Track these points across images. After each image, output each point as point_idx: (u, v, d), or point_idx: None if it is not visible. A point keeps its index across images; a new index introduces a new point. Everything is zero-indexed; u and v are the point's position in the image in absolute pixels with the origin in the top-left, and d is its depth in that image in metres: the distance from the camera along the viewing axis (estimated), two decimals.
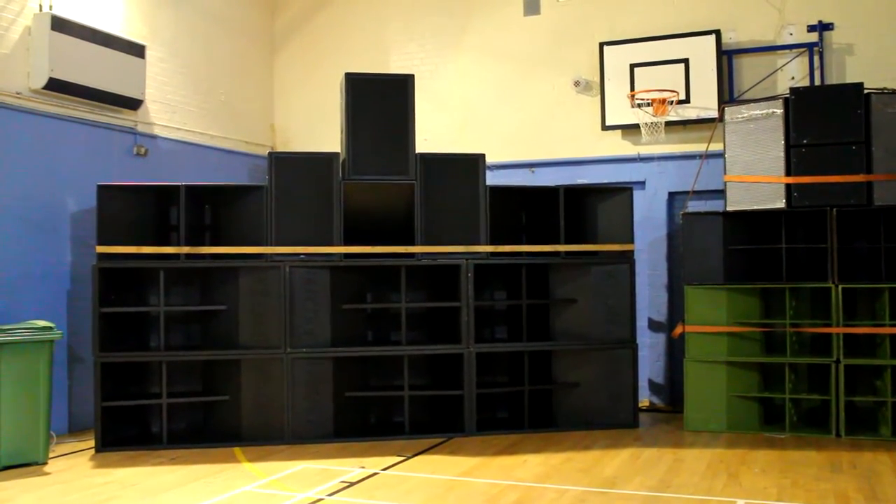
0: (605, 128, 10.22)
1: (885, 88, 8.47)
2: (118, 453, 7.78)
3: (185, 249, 8.24)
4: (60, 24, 8.32)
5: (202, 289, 8.67)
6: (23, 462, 7.25)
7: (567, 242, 8.85)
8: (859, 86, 8.41)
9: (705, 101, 9.77)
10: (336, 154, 8.55)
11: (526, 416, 8.71)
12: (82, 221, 8.58)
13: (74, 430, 8.52)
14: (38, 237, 8.28)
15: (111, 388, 8.02)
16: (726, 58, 9.85)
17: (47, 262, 8.37)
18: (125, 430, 8.20)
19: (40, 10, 8.32)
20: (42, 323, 7.49)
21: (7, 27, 8.07)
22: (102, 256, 8.02)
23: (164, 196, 8.52)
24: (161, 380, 8.14)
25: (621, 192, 9.04)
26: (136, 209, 8.35)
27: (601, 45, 10.23)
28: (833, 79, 9.43)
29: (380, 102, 8.59)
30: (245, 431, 8.25)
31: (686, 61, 9.85)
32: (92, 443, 7.95)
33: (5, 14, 8.06)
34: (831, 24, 9.51)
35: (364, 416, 8.81)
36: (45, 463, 7.37)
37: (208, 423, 8.52)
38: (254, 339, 8.38)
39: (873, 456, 7.43)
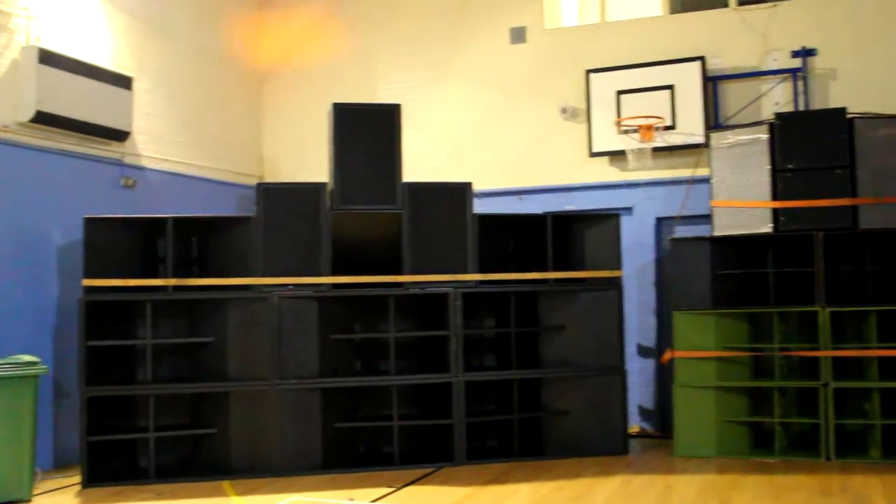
0: (592, 154, 10.27)
1: (868, 113, 8.53)
2: (105, 489, 7.70)
3: (173, 282, 8.22)
4: (48, 58, 8.33)
5: (190, 321, 8.64)
6: (7, 500, 7.16)
7: (555, 269, 8.86)
8: (843, 110, 8.47)
9: (691, 127, 9.83)
10: (324, 184, 8.56)
11: (516, 444, 8.67)
12: (69, 254, 8.55)
13: (60, 465, 8.43)
14: (24, 270, 8.25)
15: (98, 423, 7.96)
16: (711, 84, 9.92)
17: (33, 296, 8.33)
18: (112, 465, 8.12)
19: (28, 43, 8.34)
20: (27, 357, 7.44)
21: None
22: (89, 289, 7.99)
23: (151, 228, 8.51)
24: (148, 413, 8.08)
25: (609, 219, 9.06)
26: (123, 241, 8.33)
27: (587, 72, 10.30)
28: (817, 104, 9.50)
29: (367, 132, 8.61)
30: (234, 464, 8.19)
31: (672, 88, 9.91)
32: (78, 478, 7.86)
33: None
34: (814, 49, 9.60)
35: (353, 447, 8.77)
36: (30, 500, 7.28)
37: (197, 457, 8.45)
38: (242, 371, 8.34)
39: (863, 479, 7.42)
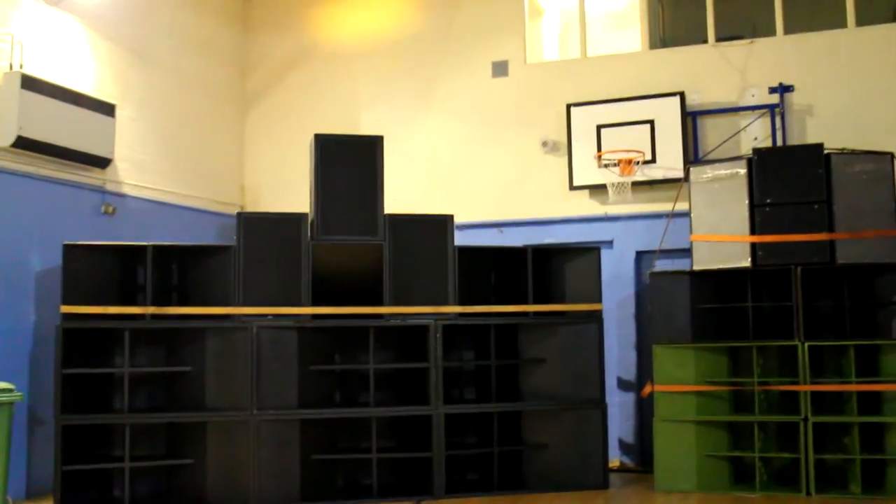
0: (572, 188, 10.32)
1: (844, 149, 8.64)
2: None
3: (151, 310, 8.16)
4: (30, 83, 8.32)
5: (168, 350, 8.56)
6: None
7: (536, 302, 8.86)
8: (820, 146, 8.57)
9: (671, 162, 9.90)
10: (305, 214, 8.56)
11: (495, 477, 8.61)
12: (48, 280, 8.48)
13: (33, 494, 8.28)
14: (1, 295, 8.16)
15: (72, 452, 7.84)
16: (691, 119, 10.02)
17: (10, 321, 8.24)
18: (86, 495, 7.99)
19: (10, 68, 8.32)
20: (1, 384, 7.34)
21: None
22: (67, 316, 7.92)
23: (130, 255, 8.46)
24: (124, 443, 7.99)
25: (589, 252, 9.09)
26: (102, 269, 8.27)
27: (568, 106, 10.38)
28: (794, 139, 9.62)
29: (349, 163, 8.63)
30: (210, 495, 8.09)
31: (652, 122, 10.01)
32: None
33: None
34: (791, 86, 9.73)
35: (331, 479, 8.68)
36: None
37: (172, 488, 8.34)
38: (220, 401, 8.27)
39: None
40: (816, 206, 8.43)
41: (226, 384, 8.26)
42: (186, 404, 8.33)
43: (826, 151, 8.52)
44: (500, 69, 10.93)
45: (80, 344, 8.04)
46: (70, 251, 8.01)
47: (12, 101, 8.18)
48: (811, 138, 9.47)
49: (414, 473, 8.60)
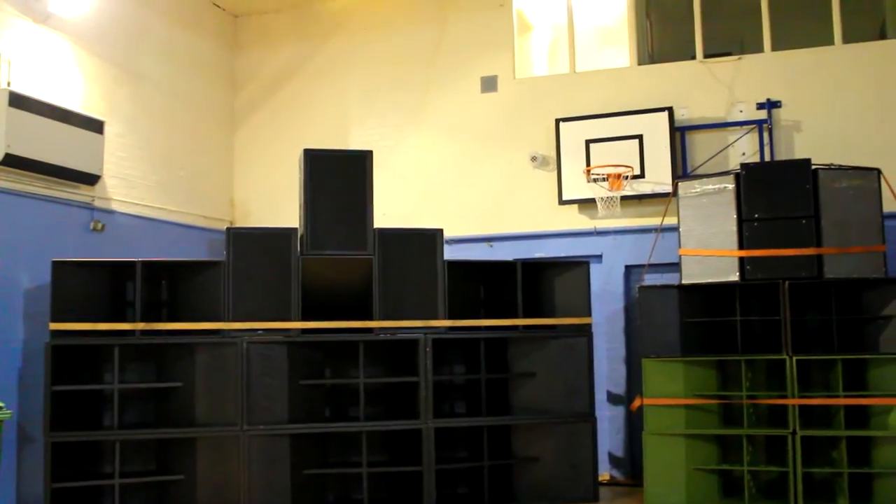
0: (561, 202, 10.36)
1: (831, 164, 8.70)
2: None
3: (141, 326, 8.16)
4: (18, 101, 8.30)
5: (158, 366, 8.55)
6: None
7: (525, 316, 8.89)
8: (807, 162, 8.62)
9: (659, 176, 9.96)
10: (294, 229, 8.57)
11: (486, 491, 8.62)
12: (36, 297, 8.45)
13: None
14: None
15: (62, 469, 7.83)
16: (679, 134, 10.09)
17: None
18: None
19: None
20: None
21: None
22: (56, 333, 7.92)
23: (119, 272, 8.46)
24: (114, 459, 7.97)
25: (578, 266, 9.13)
26: (91, 285, 8.27)
27: (557, 121, 10.43)
28: (782, 154, 9.70)
29: (338, 178, 8.66)
30: None
31: (640, 137, 10.07)
32: None
33: None
34: (779, 101, 9.81)
35: (322, 494, 8.67)
36: None
37: None
38: (210, 417, 8.26)
39: None
40: (804, 221, 8.48)
41: (216, 399, 8.26)
42: (176, 420, 8.32)
43: (813, 167, 8.57)
44: (490, 84, 10.97)
45: (69, 361, 8.03)
46: (59, 268, 8.01)
47: (0, 118, 8.17)
48: (799, 154, 9.55)
49: (405, 488, 8.60)
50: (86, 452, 8.26)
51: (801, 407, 8.33)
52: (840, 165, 8.69)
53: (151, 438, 8.37)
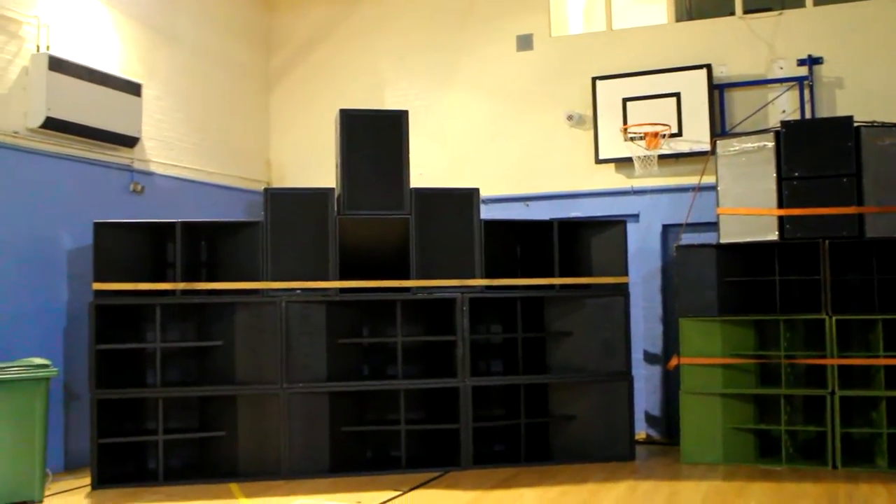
0: (598, 161, 10.31)
1: (874, 121, 8.56)
2: (114, 490, 7.77)
3: (181, 285, 8.27)
4: (58, 65, 8.40)
5: (198, 325, 8.68)
6: (18, 500, 7.22)
7: (562, 275, 8.89)
8: (849, 119, 8.49)
9: (697, 135, 9.87)
10: (331, 189, 8.61)
11: (522, 449, 8.70)
12: (79, 259, 8.61)
13: (70, 467, 8.48)
14: (34, 275, 8.30)
15: (107, 425, 8.02)
16: (717, 91, 9.96)
17: (43, 300, 8.38)
18: (121, 468, 8.19)
19: (38, 50, 8.41)
20: (38, 360, 7.50)
21: (5, 67, 8.16)
22: (99, 293, 8.06)
23: (160, 233, 8.56)
24: (157, 416, 8.15)
25: (615, 226, 9.10)
26: (132, 246, 8.39)
27: (594, 79, 10.34)
28: (824, 112, 9.55)
29: (374, 138, 8.66)
30: (241, 467, 8.24)
31: (678, 95, 9.96)
32: (88, 480, 7.92)
33: (3, 55, 8.14)
34: (821, 58, 9.64)
35: (360, 451, 8.80)
36: (41, 501, 7.34)
37: (205, 460, 8.50)
38: (250, 375, 8.39)
39: (870, 488, 7.43)
40: (845, 180, 8.37)
41: (256, 358, 8.38)
42: (217, 378, 8.45)
43: (856, 124, 8.44)
44: (525, 43, 10.89)
45: (112, 320, 8.18)
46: (100, 229, 8.13)
47: (40, 82, 8.28)
48: (840, 111, 9.39)
49: (441, 445, 8.70)
50: (130, 409, 8.44)
51: (840, 367, 8.29)
52: (883, 122, 8.55)
53: (193, 396, 8.52)
